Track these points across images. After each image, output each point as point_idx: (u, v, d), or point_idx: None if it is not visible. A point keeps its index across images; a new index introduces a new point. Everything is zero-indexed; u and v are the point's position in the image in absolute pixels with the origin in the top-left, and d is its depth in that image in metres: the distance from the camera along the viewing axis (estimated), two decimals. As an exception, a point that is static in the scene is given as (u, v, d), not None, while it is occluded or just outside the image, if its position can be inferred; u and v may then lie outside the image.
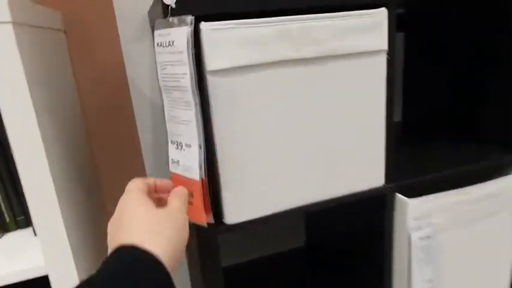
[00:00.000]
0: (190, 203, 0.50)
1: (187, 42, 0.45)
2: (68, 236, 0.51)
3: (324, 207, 0.62)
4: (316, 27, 0.53)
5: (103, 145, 0.88)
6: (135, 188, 0.37)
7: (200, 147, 0.48)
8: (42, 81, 0.55)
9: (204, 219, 0.51)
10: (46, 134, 0.51)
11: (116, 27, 0.83)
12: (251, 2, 0.50)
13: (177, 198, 0.40)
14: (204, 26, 0.48)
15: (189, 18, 0.46)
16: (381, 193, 0.66)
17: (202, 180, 0.49)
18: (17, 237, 0.59)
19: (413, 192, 0.67)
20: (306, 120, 0.57)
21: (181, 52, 0.46)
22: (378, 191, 0.65)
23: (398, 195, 0.67)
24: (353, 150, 0.61)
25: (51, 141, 0.53)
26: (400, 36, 1.02)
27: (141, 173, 0.92)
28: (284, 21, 0.51)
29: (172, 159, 0.51)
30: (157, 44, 0.47)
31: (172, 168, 0.52)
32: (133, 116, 0.88)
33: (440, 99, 0.94)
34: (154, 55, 0.48)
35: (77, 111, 0.79)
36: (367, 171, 0.64)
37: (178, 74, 0.48)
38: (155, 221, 0.33)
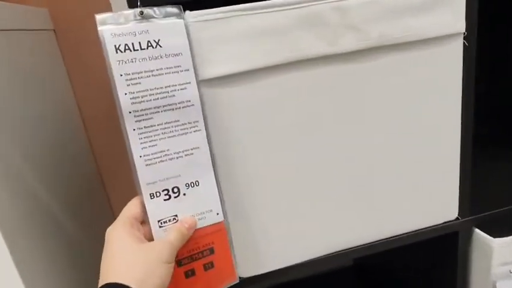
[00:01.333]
0: (210, 266, 0.38)
1: (187, 40, 0.34)
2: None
3: (372, 251, 0.46)
4: (357, 7, 0.36)
5: (103, 145, 0.76)
6: (121, 220, 0.35)
7: (216, 177, 0.37)
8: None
9: (235, 274, 0.40)
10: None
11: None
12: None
13: (174, 233, 0.35)
14: (190, 16, 0.33)
15: (178, 8, 0.34)
16: (454, 229, 0.49)
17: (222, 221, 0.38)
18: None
19: (496, 228, 0.49)
20: (344, 138, 0.41)
21: (177, 54, 0.34)
22: (449, 227, 0.49)
23: (478, 232, 0.50)
24: (413, 174, 0.45)
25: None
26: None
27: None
28: (308, 1, 0.35)
29: (160, 220, 0.36)
30: (116, 48, 0.32)
31: (164, 232, 0.36)
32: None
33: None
34: (110, 67, 0.33)
35: (73, 113, 0.71)
36: (434, 201, 0.47)
37: (173, 85, 0.34)
38: (136, 259, 0.32)
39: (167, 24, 0.33)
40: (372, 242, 0.46)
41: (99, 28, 0.32)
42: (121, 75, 0.33)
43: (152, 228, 0.36)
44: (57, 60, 0.68)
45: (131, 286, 0.30)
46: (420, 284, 0.65)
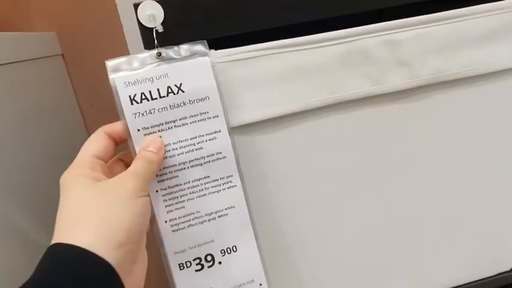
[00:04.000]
0: None
1: (214, 81, 0.28)
2: None
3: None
4: (409, 41, 0.31)
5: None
6: (76, 162, 0.28)
7: (257, 240, 0.31)
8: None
9: None
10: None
11: (126, 43, 0.65)
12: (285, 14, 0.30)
13: (137, 161, 0.27)
14: (216, 56, 0.28)
15: (203, 44, 0.29)
16: (508, 281, 0.43)
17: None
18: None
19: None
20: (394, 186, 0.36)
21: (203, 99, 0.29)
22: (504, 279, 0.43)
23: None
24: (462, 221, 0.39)
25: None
26: None
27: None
28: (354, 35, 0.30)
29: None
30: (131, 99, 0.27)
31: None
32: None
33: None
34: (123, 118, 0.28)
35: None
36: (486, 251, 0.41)
37: (200, 135, 0.29)
38: (90, 201, 0.25)
39: (190, 65, 0.28)
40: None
41: (111, 76, 0.27)
42: (138, 130, 0.28)
43: None
44: (65, 84, 0.64)
45: (79, 245, 0.22)
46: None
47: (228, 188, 0.30)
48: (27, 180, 0.48)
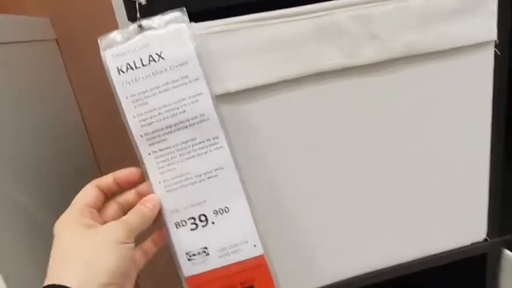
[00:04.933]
0: None
1: (191, 45, 0.30)
2: None
3: (398, 273, 0.43)
4: (381, 15, 0.33)
5: (106, 151, 0.74)
6: (69, 210, 0.31)
7: (249, 201, 0.32)
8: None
9: None
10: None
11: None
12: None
13: (132, 214, 0.30)
14: (197, 28, 0.30)
15: (182, 11, 0.30)
16: (482, 251, 0.46)
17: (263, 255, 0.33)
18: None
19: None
20: (366, 156, 0.38)
21: (184, 64, 0.30)
22: (477, 249, 0.46)
23: (508, 253, 0.46)
24: (440, 193, 0.41)
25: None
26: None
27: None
28: (326, 9, 0.32)
29: (189, 253, 0.33)
30: (119, 70, 0.29)
31: (194, 266, 0.33)
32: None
33: None
34: (114, 87, 0.30)
35: (76, 121, 0.69)
36: (462, 221, 0.44)
37: (183, 99, 0.30)
38: (79, 245, 0.28)
39: (167, 33, 0.29)
40: (400, 264, 0.43)
41: (102, 53, 0.29)
42: (127, 97, 0.30)
43: (181, 262, 0.32)
44: (59, 70, 0.66)
45: (69, 286, 0.25)
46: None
47: (215, 150, 0.31)
48: (22, 162, 0.49)
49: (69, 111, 0.67)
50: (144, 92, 0.30)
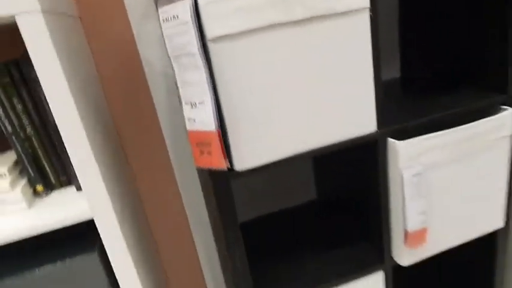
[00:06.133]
0: (208, 153, 0.59)
1: (191, 15, 0.53)
2: (106, 187, 0.62)
3: (323, 152, 0.70)
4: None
5: (123, 113, 0.98)
6: None
7: (213, 102, 0.57)
8: (71, 64, 0.64)
9: (223, 164, 0.61)
10: (81, 110, 0.61)
11: (125, 7, 0.91)
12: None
13: None
14: (201, 0, 0.56)
15: None
16: (374, 138, 0.74)
17: (218, 131, 0.58)
18: (62, 193, 0.71)
19: (409, 136, 0.75)
20: (300, 76, 0.64)
21: (186, 23, 0.55)
22: (370, 136, 0.73)
23: (390, 139, 0.75)
24: (346, 101, 0.69)
25: (85, 114, 0.63)
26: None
27: (159, 133, 1.02)
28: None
29: (188, 118, 0.61)
30: (163, 20, 0.55)
31: (189, 126, 0.61)
32: (148, 87, 0.98)
33: (436, 51, 0.99)
34: (161, 30, 0.57)
35: (98, 88, 0.89)
36: (359, 118, 0.71)
37: (185, 42, 0.56)
38: None
39: (179, 4, 0.53)
40: (321, 147, 0.71)
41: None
42: (167, 35, 0.56)
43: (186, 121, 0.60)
44: (84, 43, 0.84)
45: None
46: (360, 191, 0.91)
47: (197, 70, 0.57)
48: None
49: (92, 78, 0.82)
50: (171, 35, 0.56)
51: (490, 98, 0.81)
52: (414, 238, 0.80)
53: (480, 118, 0.78)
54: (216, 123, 0.58)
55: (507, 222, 0.91)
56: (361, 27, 0.66)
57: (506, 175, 0.86)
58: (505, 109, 0.80)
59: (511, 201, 0.90)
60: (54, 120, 0.58)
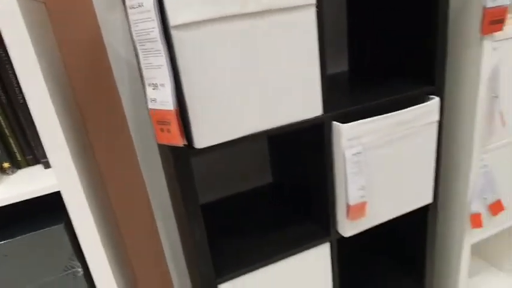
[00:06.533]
0: (168, 131, 0.66)
1: (153, 3, 0.60)
2: (73, 161, 0.67)
3: (276, 132, 0.79)
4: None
5: (87, 100, 1.02)
6: None
7: (172, 84, 0.64)
8: (40, 46, 0.68)
9: (181, 141, 0.67)
10: (50, 89, 0.65)
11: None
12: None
13: None
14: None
15: None
16: (320, 121, 0.84)
17: (176, 110, 0.64)
18: (29, 171, 0.75)
19: (351, 120, 0.85)
20: (254, 63, 0.72)
21: (149, 11, 0.61)
22: (317, 119, 0.82)
23: (334, 122, 0.85)
24: (295, 87, 0.77)
25: (53, 93, 0.67)
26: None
27: (121, 115, 1.07)
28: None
29: (150, 98, 0.67)
30: (129, 7, 0.61)
31: (151, 105, 0.67)
32: (112, 73, 1.02)
33: (378, 46, 1.11)
34: (127, 17, 0.62)
35: (62, 71, 0.92)
36: (307, 103, 0.80)
37: (148, 28, 0.62)
38: None
39: None
40: (274, 127, 0.79)
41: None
42: (132, 21, 0.61)
43: (148, 101, 0.66)
44: (49, 28, 0.90)
45: None
46: (310, 171, 1.00)
47: (159, 56, 0.64)
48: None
49: (57, 63, 0.86)
50: (136, 21, 0.62)
51: (420, 88, 0.93)
52: (355, 211, 0.90)
53: (412, 105, 0.90)
54: (175, 103, 0.65)
55: (435, 198, 1.04)
56: (308, 21, 0.74)
57: (434, 157, 0.98)
58: (432, 98, 0.93)
59: (439, 179, 1.03)
60: (21, 100, 0.62)
